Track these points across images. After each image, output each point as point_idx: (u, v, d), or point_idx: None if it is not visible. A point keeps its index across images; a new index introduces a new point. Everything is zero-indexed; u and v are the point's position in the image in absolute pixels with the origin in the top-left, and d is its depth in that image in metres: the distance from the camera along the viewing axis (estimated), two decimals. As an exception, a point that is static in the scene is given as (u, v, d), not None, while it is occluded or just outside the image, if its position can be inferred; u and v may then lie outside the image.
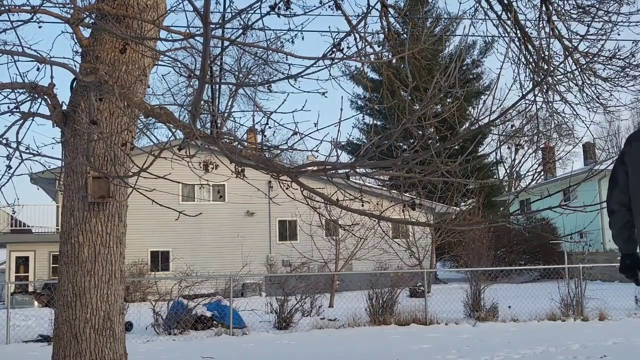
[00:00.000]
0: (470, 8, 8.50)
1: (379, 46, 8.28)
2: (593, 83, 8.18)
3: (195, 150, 4.22)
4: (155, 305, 12.29)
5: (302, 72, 3.45)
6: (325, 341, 10.41)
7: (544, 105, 7.86)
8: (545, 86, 7.31)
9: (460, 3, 7.67)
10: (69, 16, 4.33)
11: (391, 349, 9.09)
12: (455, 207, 22.31)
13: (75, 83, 4.67)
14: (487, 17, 8.11)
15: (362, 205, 4.15)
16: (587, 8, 7.74)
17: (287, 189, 3.94)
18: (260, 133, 3.59)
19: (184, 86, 22.24)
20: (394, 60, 8.35)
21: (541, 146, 27.07)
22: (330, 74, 4.29)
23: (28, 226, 25.82)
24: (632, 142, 3.28)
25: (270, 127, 3.70)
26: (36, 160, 4.32)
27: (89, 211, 4.53)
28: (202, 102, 3.64)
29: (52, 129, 4.62)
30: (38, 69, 4.18)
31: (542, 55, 7.86)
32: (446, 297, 14.00)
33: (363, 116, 34.23)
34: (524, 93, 3.49)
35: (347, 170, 3.47)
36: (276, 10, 3.23)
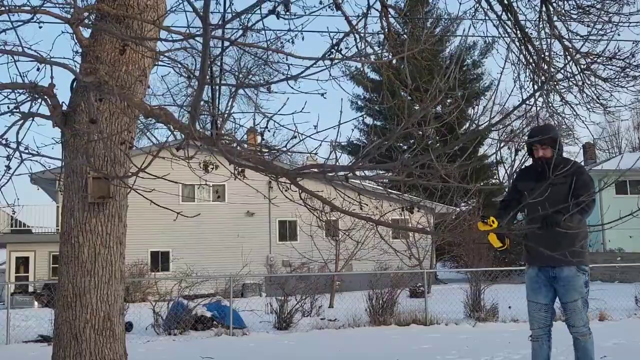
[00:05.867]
0: (471, 8, 8.48)
1: (379, 46, 8.28)
2: (593, 83, 8.17)
3: (195, 151, 4.22)
4: (155, 306, 12.28)
5: (302, 73, 3.45)
6: (325, 341, 10.41)
7: (543, 106, 7.87)
8: (546, 90, 7.33)
9: (460, 3, 7.66)
10: (69, 16, 4.33)
11: (391, 349, 9.09)
12: (455, 208, 22.35)
13: (75, 83, 4.66)
14: (487, 18, 8.12)
15: (361, 209, 4.15)
16: (587, 8, 7.74)
17: (285, 190, 3.94)
18: (260, 135, 3.59)
19: (184, 87, 22.29)
20: (394, 61, 8.35)
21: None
22: (330, 75, 4.29)
23: (28, 226, 25.83)
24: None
25: (269, 129, 3.70)
26: (36, 161, 4.32)
27: (89, 211, 4.53)
28: (201, 103, 3.63)
29: (52, 129, 4.62)
30: (38, 69, 4.17)
31: (543, 55, 7.86)
32: (446, 297, 13.98)
33: (363, 117, 34.21)
34: (525, 98, 3.49)
35: (346, 173, 3.47)
36: (276, 12, 3.23)
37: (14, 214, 22.38)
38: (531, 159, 5.01)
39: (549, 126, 5.53)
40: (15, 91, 4.32)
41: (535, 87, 7.83)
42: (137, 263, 21.63)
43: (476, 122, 3.45)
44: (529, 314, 5.17)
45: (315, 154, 3.82)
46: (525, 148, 5.00)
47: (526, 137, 5.06)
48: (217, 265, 22.74)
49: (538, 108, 7.68)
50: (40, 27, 4.46)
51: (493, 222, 4.47)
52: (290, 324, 12.40)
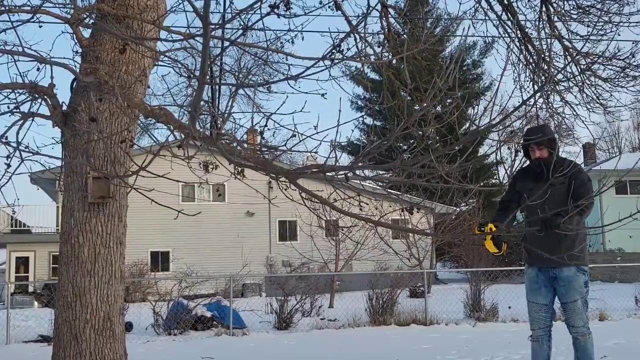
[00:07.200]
0: (471, 8, 8.49)
1: (379, 46, 8.27)
2: (593, 83, 8.18)
3: (195, 151, 4.22)
4: (155, 306, 12.28)
5: (302, 73, 3.45)
6: (325, 341, 10.41)
7: (543, 106, 7.88)
8: (546, 92, 7.34)
9: (460, 3, 7.67)
10: (69, 16, 4.33)
11: (391, 349, 9.09)
12: (455, 208, 22.34)
13: (75, 83, 4.67)
14: (487, 18, 8.12)
15: (361, 209, 4.14)
16: (587, 8, 7.75)
17: (285, 189, 3.94)
18: (260, 134, 3.59)
19: (184, 87, 22.29)
20: (394, 61, 8.35)
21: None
22: (330, 75, 4.28)
23: (28, 226, 25.83)
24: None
25: (269, 129, 3.70)
26: (36, 160, 4.32)
27: (89, 211, 4.53)
28: (201, 103, 3.63)
29: (52, 129, 4.62)
30: (38, 69, 4.18)
31: (543, 56, 7.87)
32: (446, 297, 13.98)
33: (363, 117, 34.22)
34: (525, 99, 3.49)
35: (346, 172, 3.47)
36: (276, 10, 3.23)
37: (14, 214, 22.39)
38: (528, 160, 5.01)
39: (544, 126, 5.52)
40: (15, 91, 4.33)
41: (535, 87, 7.84)
42: (137, 263, 21.63)
43: (476, 122, 3.45)
44: (529, 315, 5.17)
45: (316, 152, 3.82)
46: (522, 149, 4.99)
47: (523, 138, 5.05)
48: (217, 265, 22.74)
49: (538, 108, 7.69)
50: (40, 27, 4.46)
51: (491, 229, 4.48)
52: (290, 324, 12.40)
